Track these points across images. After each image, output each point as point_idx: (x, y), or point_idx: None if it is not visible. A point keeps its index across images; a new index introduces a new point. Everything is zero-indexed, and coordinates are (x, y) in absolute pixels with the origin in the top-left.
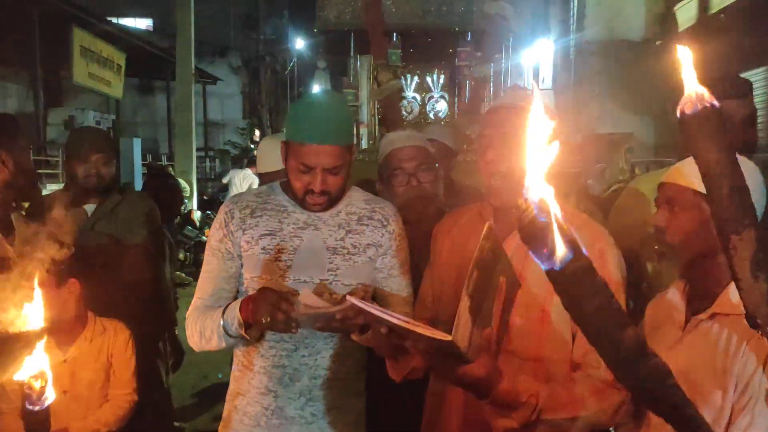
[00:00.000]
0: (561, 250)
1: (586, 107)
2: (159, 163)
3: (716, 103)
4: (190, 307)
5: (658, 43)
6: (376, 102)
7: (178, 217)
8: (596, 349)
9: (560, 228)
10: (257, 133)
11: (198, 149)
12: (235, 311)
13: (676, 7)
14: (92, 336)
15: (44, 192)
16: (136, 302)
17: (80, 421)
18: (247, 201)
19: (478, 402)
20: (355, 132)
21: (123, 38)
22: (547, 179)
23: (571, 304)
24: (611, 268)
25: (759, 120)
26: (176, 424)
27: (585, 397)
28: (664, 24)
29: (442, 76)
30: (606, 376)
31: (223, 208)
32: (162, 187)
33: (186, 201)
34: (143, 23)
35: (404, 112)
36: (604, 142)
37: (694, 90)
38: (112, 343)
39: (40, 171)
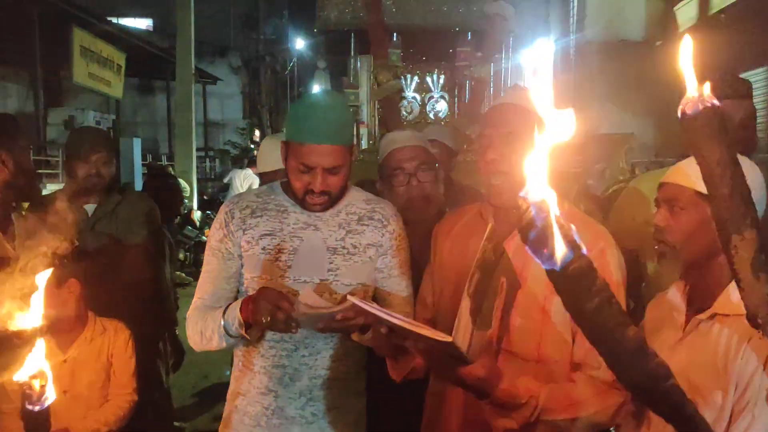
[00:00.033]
0: (561, 250)
1: (586, 107)
2: (159, 163)
3: (717, 103)
4: (191, 307)
5: (658, 43)
6: (376, 102)
7: (178, 217)
8: (596, 349)
9: (560, 228)
10: (257, 133)
11: (198, 149)
12: (235, 311)
13: (676, 7)
14: (92, 336)
15: (44, 192)
16: (136, 302)
17: (80, 421)
18: (247, 201)
19: (478, 402)
20: (355, 132)
21: (123, 38)
22: (547, 179)
23: (572, 304)
24: (611, 268)
25: (759, 120)
26: (176, 424)
27: (585, 398)
28: (664, 24)
29: (442, 76)
30: (606, 376)
31: (223, 208)
32: (162, 187)
33: (186, 201)
34: (143, 23)
35: (404, 112)
36: (604, 142)
37: (695, 90)
38: (112, 343)
39: (40, 171)
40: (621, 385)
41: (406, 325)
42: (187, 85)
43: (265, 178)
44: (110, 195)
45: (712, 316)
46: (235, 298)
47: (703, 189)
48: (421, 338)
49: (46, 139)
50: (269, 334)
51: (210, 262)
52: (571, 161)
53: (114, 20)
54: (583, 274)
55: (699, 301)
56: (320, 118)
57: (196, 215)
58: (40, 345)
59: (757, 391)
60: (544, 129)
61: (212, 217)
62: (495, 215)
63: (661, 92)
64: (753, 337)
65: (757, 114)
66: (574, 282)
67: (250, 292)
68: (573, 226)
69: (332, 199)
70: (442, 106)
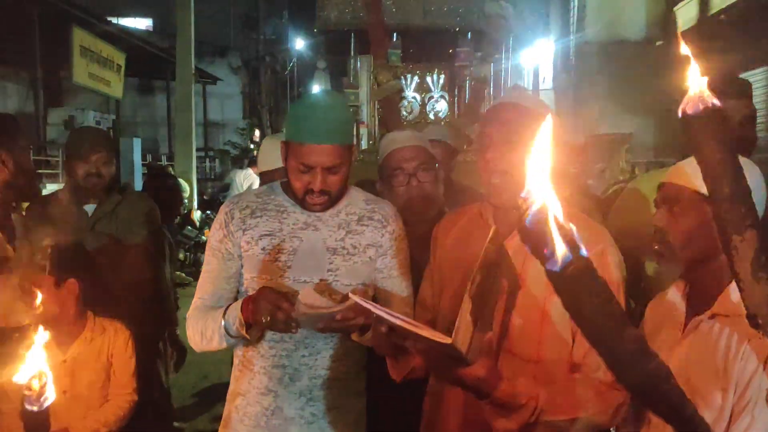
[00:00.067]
0: (561, 251)
1: (586, 107)
2: (159, 163)
3: (718, 102)
4: (191, 308)
5: (658, 43)
6: (376, 102)
7: (178, 217)
8: (596, 350)
9: (560, 228)
10: (257, 133)
11: (198, 149)
12: (236, 311)
13: (676, 8)
14: (92, 336)
15: (44, 192)
16: (136, 302)
17: (80, 422)
18: (247, 201)
19: (478, 402)
20: (355, 132)
21: (123, 38)
22: (547, 179)
23: (571, 304)
24: (611, 269)
25: (759, 120)
26: (176, 424)
27: (585, 399)
28: (664, 24)
29: (442, 76)
30: (606, 377)
31: (223, 209)
32: (162, 187)
33: (186, 201)
34: (143, 23)
35: (404, 112)
36: (604, 142)
37: (696, 90)
38: (112, 343)
39: (40, 171)
40: (621, 386)
41: (407, 325)
42: (187, 85)
43: (264, 177)
44: (110, 195)
45: (712, 317)
46: (235, 299)
47: (704, 189)
48: (421, 339)
49: (46, 139)
50: (269, 334)
51: (210, 262)
52: (571, 161)
53: (114, 20)
54: (583, 274)
55: (699, 302)
56: (320, 117)
57: (196, 215)
58: (41, 338)
59: (756, 391)
60: (544, 129)
61: (212, 217)
62: (495, 215)
63: (661, 92)
64: (753, 337)
65: (757, 114)
66: (573, 282)
67: (250, 293)
68: (573, 227)
69: (332, 199)
70: (442, 106)
